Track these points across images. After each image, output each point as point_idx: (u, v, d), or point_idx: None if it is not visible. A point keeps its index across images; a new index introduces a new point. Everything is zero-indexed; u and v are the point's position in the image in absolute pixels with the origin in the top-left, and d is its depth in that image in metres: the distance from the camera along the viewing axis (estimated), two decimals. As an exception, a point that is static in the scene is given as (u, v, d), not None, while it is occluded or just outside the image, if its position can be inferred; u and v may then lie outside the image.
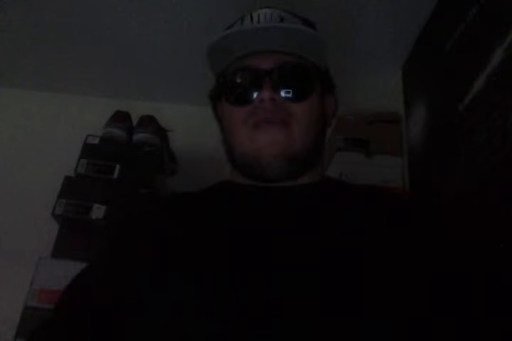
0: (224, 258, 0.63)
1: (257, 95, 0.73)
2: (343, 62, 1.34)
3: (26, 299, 1.26)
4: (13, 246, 1.55)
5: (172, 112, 1.81)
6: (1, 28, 1.62)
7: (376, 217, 0.68)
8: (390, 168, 1.51)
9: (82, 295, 0.69)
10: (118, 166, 1.46)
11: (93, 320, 0.65)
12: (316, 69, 0.78)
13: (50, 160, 1.71)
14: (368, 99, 1.69)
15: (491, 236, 0.86)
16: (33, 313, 1.23)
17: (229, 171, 0.81)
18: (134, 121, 1.63)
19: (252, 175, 0.75)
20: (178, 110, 1.86)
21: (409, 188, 1.45)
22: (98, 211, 1.37)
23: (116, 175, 1.45)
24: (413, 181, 1.44)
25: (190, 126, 1.76)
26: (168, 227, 0.69)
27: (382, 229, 0.66)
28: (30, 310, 1.24)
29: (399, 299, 0.60)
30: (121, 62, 1.75)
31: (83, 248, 1.21)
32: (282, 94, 0.73)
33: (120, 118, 1.60)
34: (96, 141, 1.52)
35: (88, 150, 1.49)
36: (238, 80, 0.76)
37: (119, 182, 1.45)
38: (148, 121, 1.61)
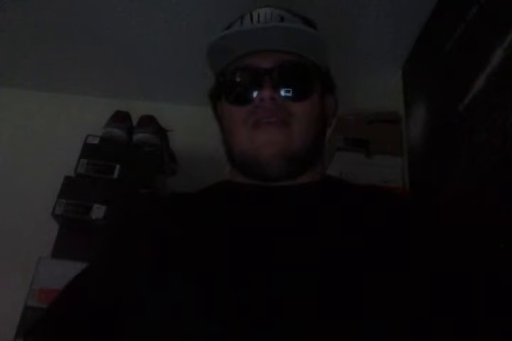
0: (224, 258, 0.63)
1: (257, 94, 0.73)
2: (343, 62, 1.34)
3: (26, 299, 1.26)
4: (13, 246, 1.55)
5: (172, 112, 1.81)
6: (1, 28, 1.62)
7: (376, 216, 0.68)
8: (390, 168, 1.51)
9: (80, 295, 0.69)
10: (118, 166, 1.46)
11: (92, 319, 0.65)
12: (317, 69, 0.78)
13: (50, 160, 1.71)
14: (368, 99, 1.70)
15: (491, 236, 0.85)
16: (33, 313, 1.23)
17: (229, 171, 0.81)
18: (134, 121, 1.63)
19: (251, 175, 0.75)
20: (178, 110, 1.86)
21: (409, 188, 1.45)
22: (98, 211, 1.37)
23: (116, 175, 1.45)
24: (413, 181, 1.44)
25: (190, 126, 1.76)
26: (168, 227, 0.69)
27: (382, 228, 0.66)
28: (30, 310, 1.24)
29: (399, 299, 0.60)
30: (121, 62, 1.75)
31: (83, 248, 1.20)
32: (282, 93, 0.73)
33: (120, 118, 1.60)
34: (96, 141, 1.52)
35: (88, 150, 1.49)
36: (238, 79, 0.76)
37: (119, 182, 1.45)
38: (148, 121, 1.61)
